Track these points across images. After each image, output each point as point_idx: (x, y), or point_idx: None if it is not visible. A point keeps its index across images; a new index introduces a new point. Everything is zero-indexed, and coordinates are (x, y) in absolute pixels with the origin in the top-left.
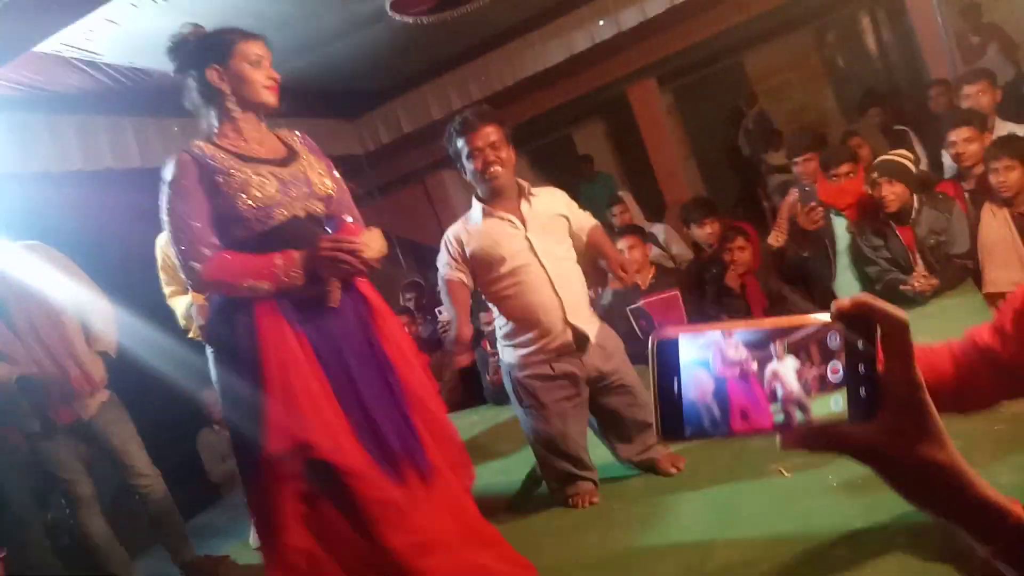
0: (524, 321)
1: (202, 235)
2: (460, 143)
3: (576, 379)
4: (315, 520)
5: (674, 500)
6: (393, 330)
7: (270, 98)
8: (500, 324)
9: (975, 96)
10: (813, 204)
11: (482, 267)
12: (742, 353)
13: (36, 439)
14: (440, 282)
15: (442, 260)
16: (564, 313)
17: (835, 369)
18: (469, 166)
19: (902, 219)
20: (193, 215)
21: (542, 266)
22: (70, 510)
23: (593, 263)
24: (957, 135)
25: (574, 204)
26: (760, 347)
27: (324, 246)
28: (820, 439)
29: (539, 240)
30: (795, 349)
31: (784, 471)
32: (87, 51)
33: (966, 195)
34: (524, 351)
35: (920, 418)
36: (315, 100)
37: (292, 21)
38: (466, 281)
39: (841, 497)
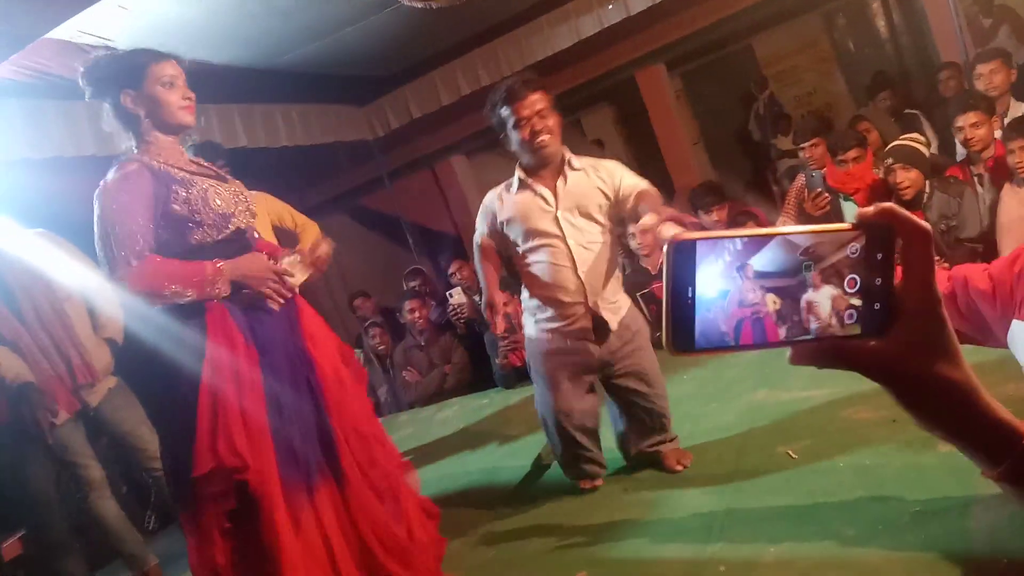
0: (546, 300)
1: (144, 238)
2: (506, 112)
3: (590, 361)
4: (238, 542)
5: (681, 481)
6: (316, 329)
7: (187, 118)
8: (525, 297)
9: (988, 75)
10: (819, 190)
11: (511, 238)
12: (762, 264)
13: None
14: (475, 247)
15: (479, 225)
16: (586, 298)
17: (852, 282)
18: (516, 136)
19: (913, 204)
20: (136, 219)
21: (568, 248)
22: (80, 493)
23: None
24: (964, 120)
25: (625, 173)
26: (787, 264)
27: (261, 275)
28: (831, 354)
29: (569, 220)
30: (829, 276)
31: (791, 453)
32: (99, 37)
33: (975, 178)
34: (545, 326)
35: (937, 333)
36: (324, 86)
37: (302, 7)
38: (497, 247)
39: (848, 478)
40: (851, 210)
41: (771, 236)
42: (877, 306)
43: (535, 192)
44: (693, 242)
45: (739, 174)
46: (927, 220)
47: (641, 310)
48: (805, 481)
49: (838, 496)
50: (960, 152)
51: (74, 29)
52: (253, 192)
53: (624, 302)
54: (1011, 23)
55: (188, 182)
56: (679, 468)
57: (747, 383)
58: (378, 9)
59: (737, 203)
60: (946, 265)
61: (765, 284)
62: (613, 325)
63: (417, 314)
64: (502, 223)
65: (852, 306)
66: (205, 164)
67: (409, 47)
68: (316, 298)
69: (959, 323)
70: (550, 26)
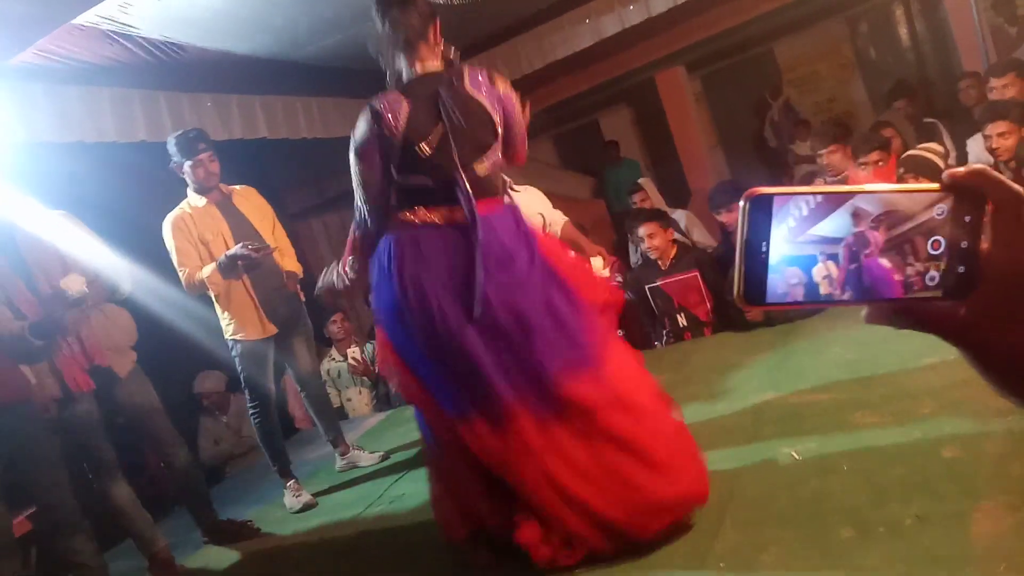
0: None
1: None
2: None
3: None
4: None
5: None
6: None
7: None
8: None
9: (1001, 90)
10: None
11: None
12: (834, 224)
13: (62, 403)
14: None
15: None
16: None
17: (936, 243)
18: None
19: None
20: None
21: None
22: (91, 474)
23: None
24: (993, 128)
25: (548, 203)
26: (861, 227)
27: None
28: (909, 315)
29: None
30: (899, 242)
31: (795, 454)
32: (123, 24)
33: None
34: None
35: (1020, 301)
36: (344, 79)
37: None
38: None
39: (850, 481)
40: None
41: (851, 195)
42: (961, 269)
43: None
44: (770, 196)
45: (757, 178)
46: None
47: (649, 301)
48: (807, 483)
49: (840, 498)
50: (978, 161)
51: (98, 15)
52: (240, 186)
53: None
54: None
55: None
56: None
57: (754, 385)
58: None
59: None
60: None
61: (814, 249)
62: None
63: None
64: None
65: (934, 268)
66: None
67: None
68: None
69: None
70: (570, 25)
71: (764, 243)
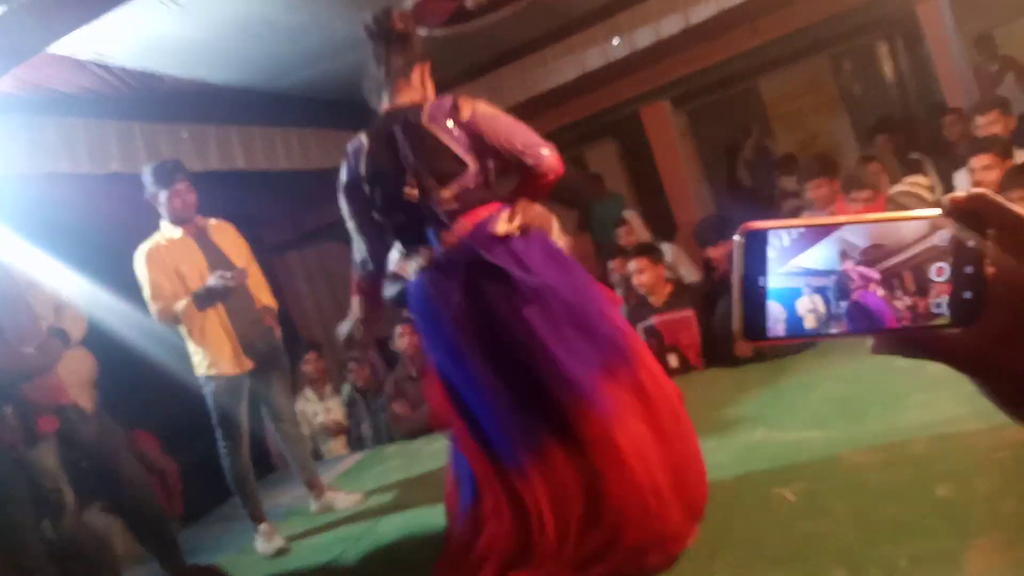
0: None
1: None
2: None
3: None
4: None
5: None
6: None
7: None
8: None
9: (986, 126)
10: None
11: None
12: (833, 256)
13: (27, 445)
14: None
15: None
16: None
17: (940, 270)
18: None
19: None
20: None
21: None
22: (53, 518)
23: None
24: (977, 162)
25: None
26: (854, 260)
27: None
28: (917, 344)
29: None
30: (899, 271)
31: (789, 495)
32: (99, 53)
33: None
34: None
35: None
36: (325, 110)
37: (304, 31)
38: None
39: (843, 521)
40: None
41: (847, 224)
42: (967, 295)
43: None
44: (766, 231)
45: (743, 213)
46: None
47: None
48: (799, 523)
49: (832, 539)
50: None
51: (73, 45)
52: (216, 220)
53: None
54: (1015, 71)
55: None
56: None
57: (745, 423)
58: None
59: None
60: None
61: (813, 283)
62: None
63: (408, 340)
64: None
65: (940, 294)
66: None
67: None
68: (308, 326)
69: None
70: (555, 58)
71: (761, 277)
